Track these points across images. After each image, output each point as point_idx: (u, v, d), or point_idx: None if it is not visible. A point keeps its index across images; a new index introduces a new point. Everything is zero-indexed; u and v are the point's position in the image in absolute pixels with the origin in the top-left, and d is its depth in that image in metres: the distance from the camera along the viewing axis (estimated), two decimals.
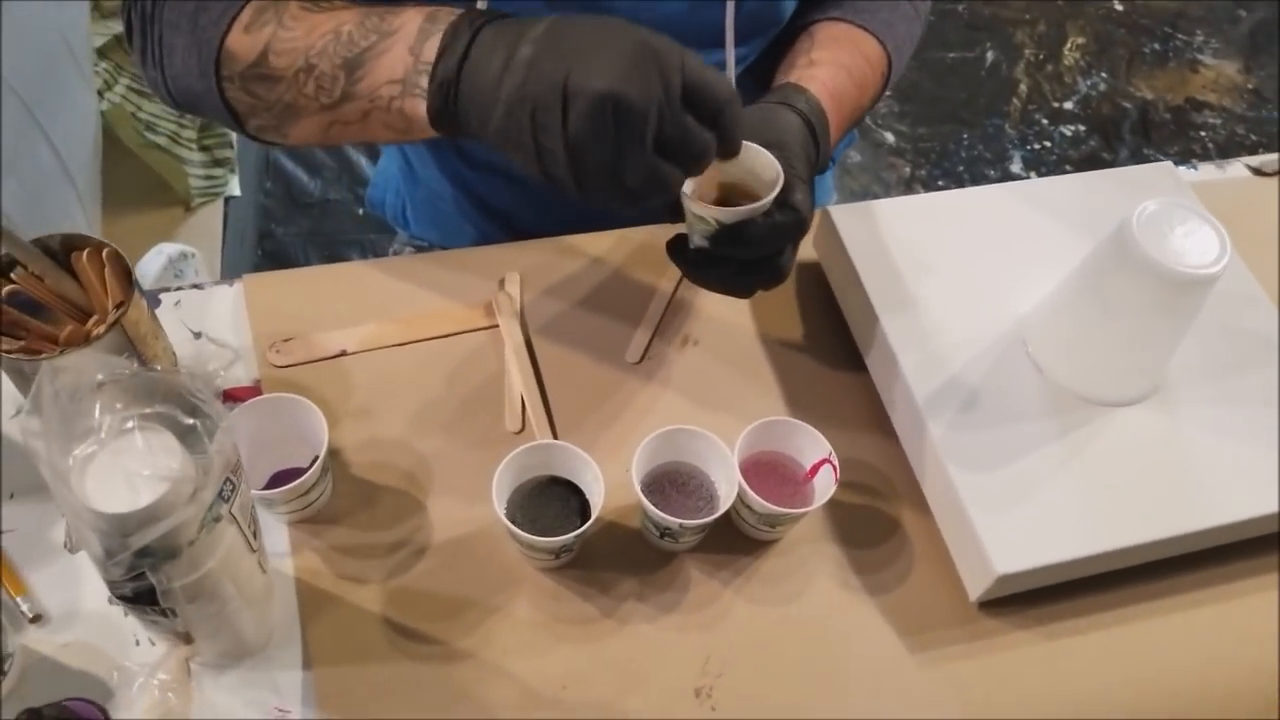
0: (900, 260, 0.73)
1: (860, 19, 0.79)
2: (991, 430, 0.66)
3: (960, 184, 1.98)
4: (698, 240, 0.61)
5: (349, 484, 0.66)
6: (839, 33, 0.78)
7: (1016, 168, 2.02)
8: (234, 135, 1.63)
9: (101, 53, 1.51)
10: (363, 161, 1.80)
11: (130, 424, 0.47)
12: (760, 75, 0.79)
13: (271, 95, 0.61)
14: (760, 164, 0.59)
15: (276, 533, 0.64)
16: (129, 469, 0.46)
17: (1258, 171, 0.92)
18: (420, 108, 0.56)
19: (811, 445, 0.65)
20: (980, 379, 0.68)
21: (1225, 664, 0.64)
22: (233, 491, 0.51)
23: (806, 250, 0.79)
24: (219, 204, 1.63)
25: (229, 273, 1.60)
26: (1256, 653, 0.65)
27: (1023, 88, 2.17)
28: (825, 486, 0.63)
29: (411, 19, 0.57)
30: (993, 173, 2.01)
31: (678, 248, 0.62)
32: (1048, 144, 2.06)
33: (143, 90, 1.54)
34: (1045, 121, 2.11)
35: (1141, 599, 0.66)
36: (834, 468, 0.63)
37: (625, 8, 0.74)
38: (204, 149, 1.63)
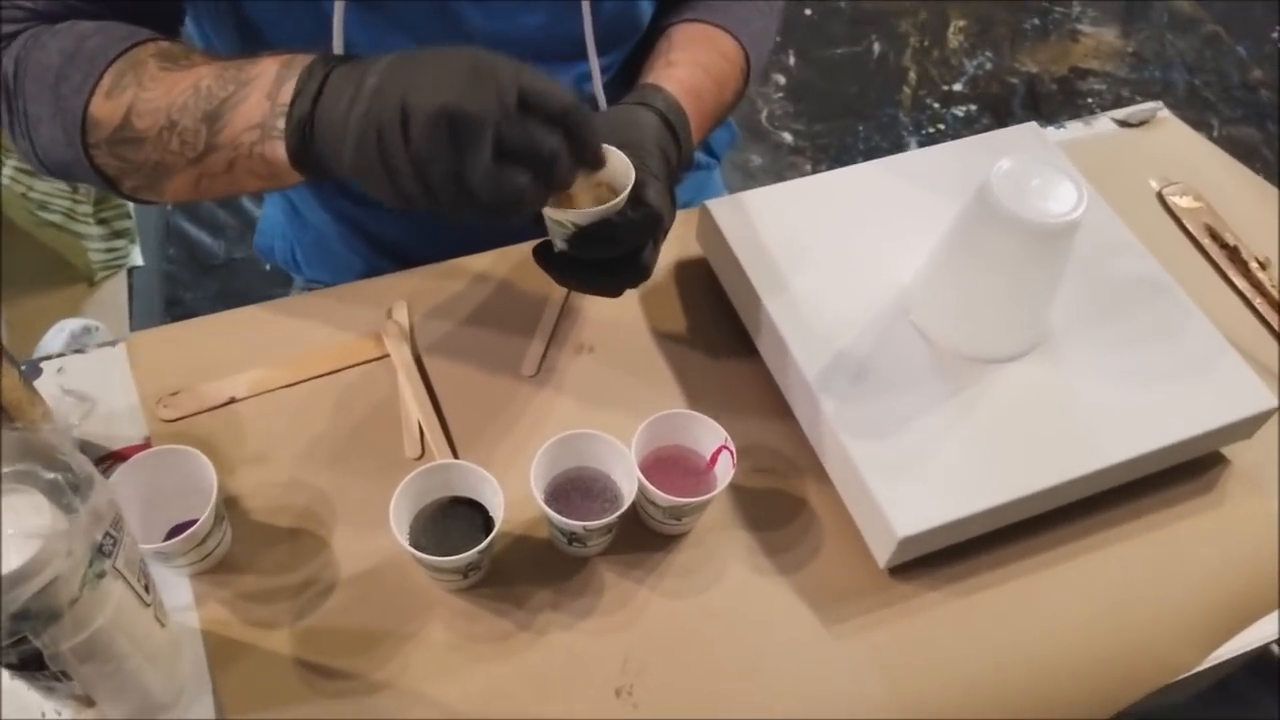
0: (781, 246, 0.74)
1: (715, 18, 0.81)
2: (883, 399, 0.67)
3: None
4: (560, 244, 0.62)
5: (249, 529, 0.65)
6: (696, 32, 0.80)
7: None
8: (131, 205, 1.61)
9: None
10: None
11: None
12: (627, 82, 0.80)
13: (139, 156, 0.61)
14: (616, 166, 0.61)
15: (179, 587, 0.62)
16: None
17: (1123, 123, 0.96)
18: (280, 150, 0.57)
19: (708, 434, 0.65)
20: (868, 351, 0.69)
21: (1135, 603, 0.66)
22: (114, 546, 0.50)
23: (692, 246, 0.80)
24: (123, 276, 1.60)
25: None
26: (1161, 589, 0.66)
27: (912, 75, 2.22)
28: (725, 473, 0.64)
29: (268, 66, 0.58)
30: None
31: (544, 253, 0.63)
32: (942, 127, 2.12)
33: (31, 170, 1.51)
34: (937, 105, 2.16)
35: (1048, 547, 0.67)
36: (731, 453, 0.64)
37: (485, 26, 0.75)
38: (102, 222, 1.60)
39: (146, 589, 0.54)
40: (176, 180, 0.62)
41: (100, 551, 0.49)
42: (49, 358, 0.72)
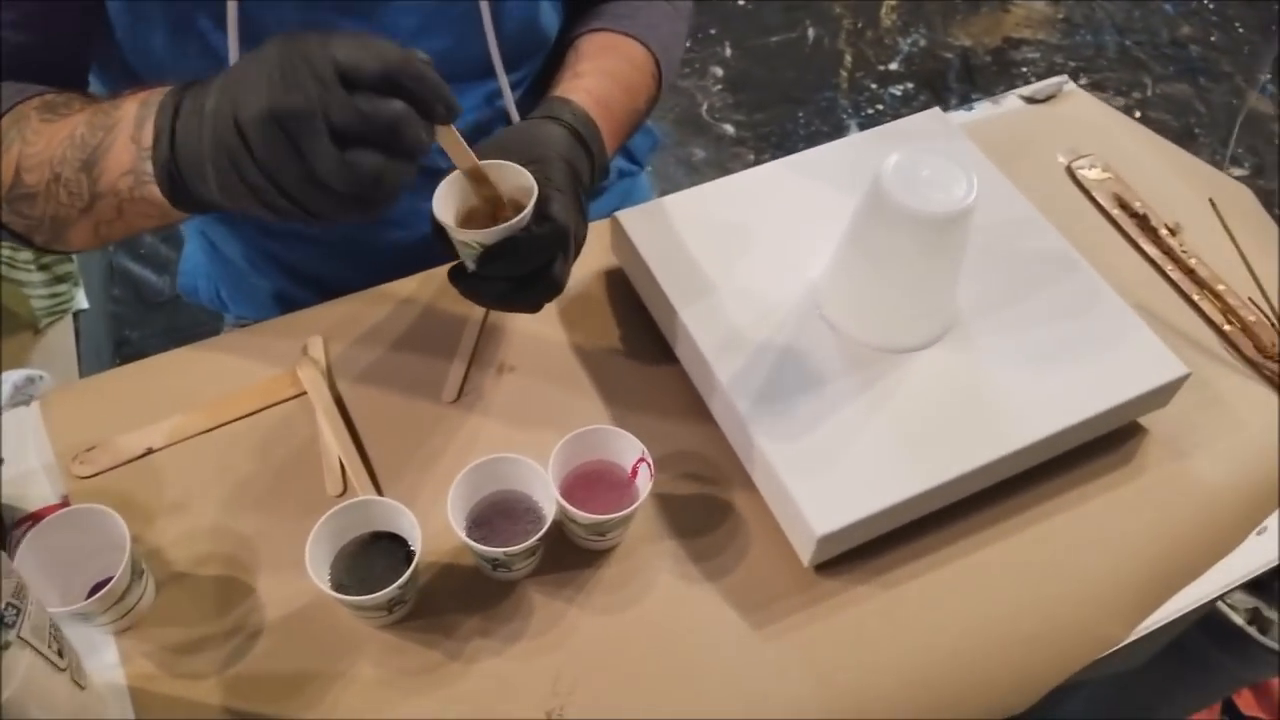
0: (693, 251, 0.74)
1: (621, 26, 0.81)
2: (797, 398, 0.67)
3: None
4: (471, 265, 0.62)
5: (173, 581, 0.64)
6: (603, 42, 0.80)
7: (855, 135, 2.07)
8: None
9: None
10: None
11: None
12: (540, 95, 0.80)
13: (36, 211, 0.61)
14: (518, 180, 0.60)
15: (104, 645, 0.61)
16: None
17: (1030, 100, 0.97)
18: (157, 193, 0.56)
19: (627, 447, 0.65)
20: (781, 350, 0.70)
21: (1061, 580, 0.66)
22: (17, 616, 0.49)
23: (609, 256, 0.80)
24: (68, 320, 1.58)
25: None
26: (1084, 560, 0.67)
27: (848, 58, 2.23)
28: (644, 484, 0.64)
29: (129, 107, 0.57)
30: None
31: (458, 275, 0.63)
32: (880, 107, 2.12)
33: None
34: (874, 86, 2.17)
35: (971, 532, 0.67)
36: (649, 465, 0.64)
37: None
38: (43, 268, 1.58)
39: (60, 653, 0.53)
40: (76, 230, 0.61)
41: (1, 622, 0.48)
42: None
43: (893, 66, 2.21)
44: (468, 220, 0.61)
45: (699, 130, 2.08)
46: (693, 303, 0.71)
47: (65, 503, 0.67)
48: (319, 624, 0.62)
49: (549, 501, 0.63)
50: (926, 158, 0.65)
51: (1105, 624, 0.66)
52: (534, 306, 0.65)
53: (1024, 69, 2.21)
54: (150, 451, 0.69)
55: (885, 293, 0.68)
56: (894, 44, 2.26)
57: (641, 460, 0.64)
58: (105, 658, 0.61)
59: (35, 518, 0.66)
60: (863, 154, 0.81)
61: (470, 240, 0.60)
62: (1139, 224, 0.84)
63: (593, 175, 0.70)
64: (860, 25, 2.30)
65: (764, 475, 0.66)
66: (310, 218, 0.51)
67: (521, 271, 0.61)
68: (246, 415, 0.71)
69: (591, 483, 0.66)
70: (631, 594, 0.64)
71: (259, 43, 0.67)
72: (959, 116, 0.94)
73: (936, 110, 0.85)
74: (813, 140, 2.06)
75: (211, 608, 0.63)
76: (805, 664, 0.62)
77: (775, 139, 2.06)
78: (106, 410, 0.71)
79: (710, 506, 0.68)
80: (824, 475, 0.63)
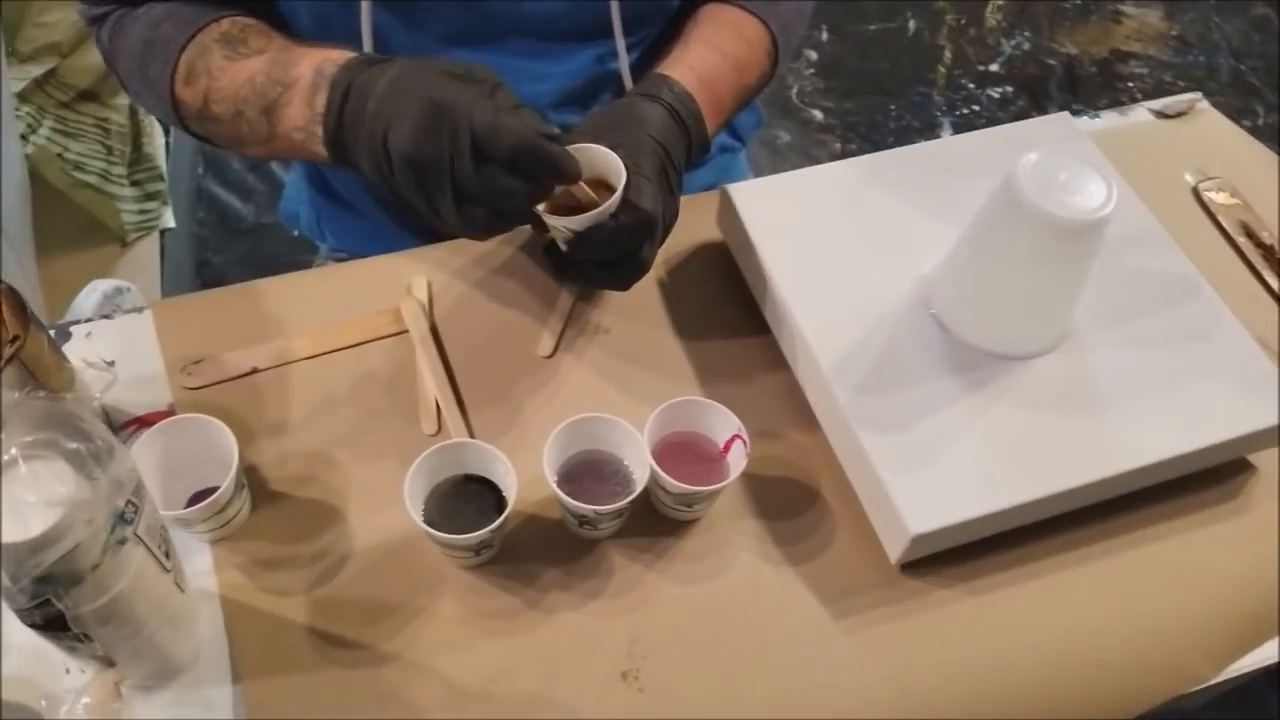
0: (801, 232, 0.74)
1: (744, 1, 0.80)
2: (899, 391, 0.66)
3: None
4: (561, 244, 0.65)
5: (268, 499, 0.66)
6: (720, 15, 0.79)
7: (947, 134, 2.03)
8: (164, 167, 1.62)
9: (23, 97, 1.50)
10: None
11: (14, 452, 0.47)
12: (653, 60, 0.80)
13: (221, 131, 0.70)
14: (609, 166, 0.63)
15: (198, 553, 0.63)
16: (18, 498, 0.46)
17: (1160, 114, 0.94)
18: (323, 150, 0.64)
19: (722, 422, 0.65)
20: (885, 342, 0.69)
21: (1149, 608, 0.65)
22: (136, 513, 0.51)
23: (713, 229, 0.80)
24: (154, 237, 1.62)
25: None
26: (1181, 595, 0.65)
27: (947, 54, 2.18)
28: (738, 462, 0.64)
29: (305, 71, 0.64)
30: (924, 141, 2.02)
31: (551, 249, 0.69)
32: (976, 108, 2.08)
33: (68, 131, 1.53)
34: (972, 86, 2.13)
35: (1063, 549, 0.66)
36: (744, 442, 0.64)
37: (506, 8, 0.74)
38: (135, 184, 1.62)
39: (167, 555, 0.55)
40: (253, 150, 0.70)
41: (121, 519, 0.50)
42: (77, 322, 0.73)
43: (993, 68, 2.16)
44: (563, 198, 0.63)
45: (786, 113, 2.05)
46: (797, 285, 0.71)
47: (171, 411, 0.68)
48: (405, 558, 0.64)
49: (640, 466, 0.63)
50: (1064, 160, 0.64)
51: (1193, 661, 0.64)
52: (622, 286, 0.69)
53: (1130, 84, 2.15)
54: (255, 371, 0.70)
55: (1005, 296, 0.67)
56: (996, 44, 2.21)
57: (737, 437, 0.64)
58: (199, 564, 0.63)
59: (141, 422, 0.68)
60: (985, 152, 0.80)
61: (560, 226, 0.62)
62: (1265, 255, 0.81)
63: (689, 155, 0.71)
64: (963, 22, 2.25)
65: (858, 466, 0.65)
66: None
67: (608, 256, 0.64)
68: (348, 346, 0.72)
69: (681, 452, 0.66)
70: (711, 568, 0.65)
71: None
72: (1085, 124, 0.92)
73: (1065, 115, 0.83)
74: (902, 135, 2.03)
75: (302, 529, 0.64)
76: (882, 661, 0.61)
77: (863, 129, 2.03)
78: (214, 326, 0.73)
79: (796, 490, 0.68)
80: (922, 473, 0.62)
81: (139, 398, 0.69)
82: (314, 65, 0.64)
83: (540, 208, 0.62)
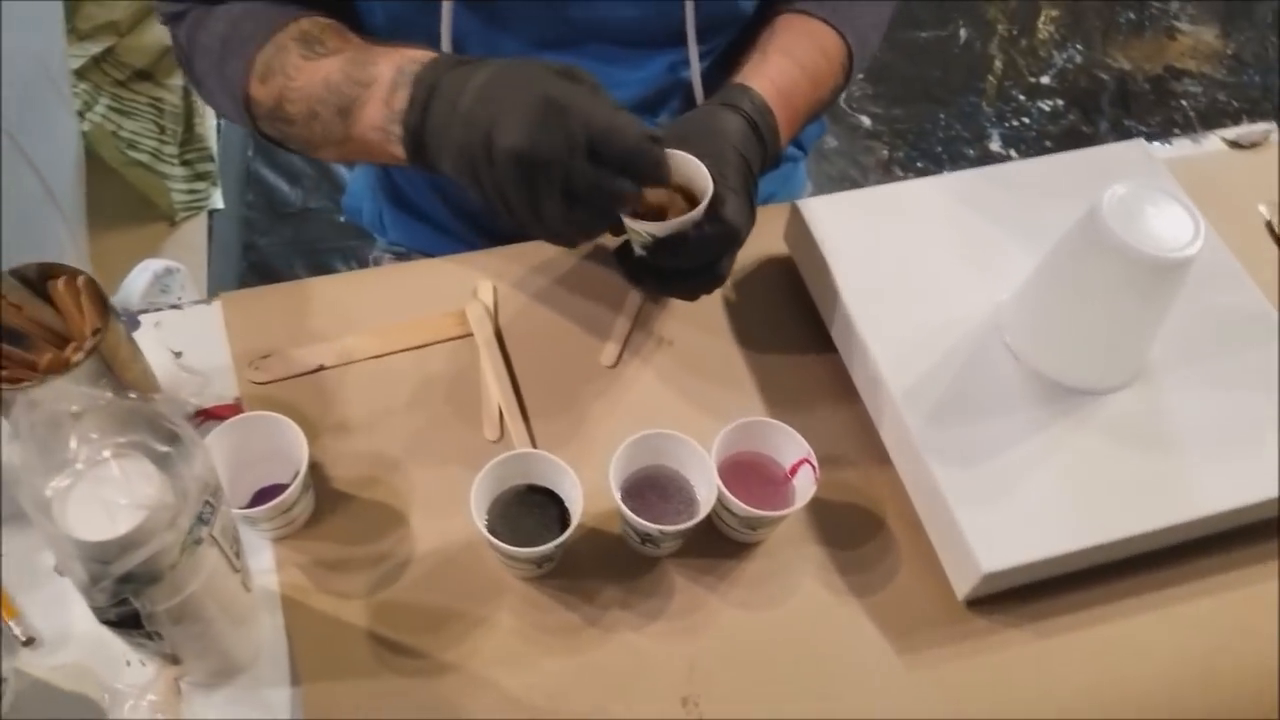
0: (872, 251, 0.72)
1: (822, 11, 0.79)
2: (972, 422, 0.65)
3: (939, 165, 1.97)
4: (638, 249, 0.64)
5: (331, 498, 0.65)
6: (799, 26, 0.78)
7: (995, 146, 2.01)
8: (215, 148, 1.62)
9: (80, 74, 1.50)
10: (341, 169, 1.79)
11: (106, 453, 0.46)
12: (729, 65, 0.79)
13: (293, 132, 0.68)
14: (695, 175, 0.62)
15: (261, 550, 0.63)
16: (107, 498, 0.46)
17: (1234, 144, 0.92)
18: (400, 150, 0.62)
19: (790, 445, 0.64)
20: (958, 370, 0.68)
21: (1223, 658, 0.63)
22: (212, 514, 0.51)
23: (778, 243, 0.78)
24: (203, 218, 1.62)
25: (215, 285, 1.59)
26: (1255, 646, 0.64)
27: (997, 64, 2.15)
28: (805, 487, 0.63)
29: (385, 70, 0.62)
30: (971, 152, 2.00)
31: (623, 253, 0.66)
32: (1026, 120, 2.05)
33: (123, 109, 1.53)
34: (1022, 97, 2.10)
35: (1135, 592, 0.65)
36: (813, 467, 0.63)
37: (585, 16, 0.73)
38: (185, 164, 1.62)
39: (237, 555, 0.55)
40: (326, 152, 0.69)
41: (199, 519, 0.50)
42: (147, 311, 0.73)
43: (1044, 80, 2.13)
44: (639, 203, 0.61)
45: (834, 118, 2.03)
46: (868, 306, 0.70)
47: (237, 404, 0.68)
48: (464, 565, 0.63)
49: (705, 485, 0.63)
50: (1150, 193, 0.62)
51: (1267, 713, 0.62)
52: (692, 296, 0.67)
53: (1183, 102, 2.11)
54: (321, 368, 0.70)
55: (1083, 330, 0.65)
56: (1048, 56, 2.18)
57: (805, 461, 0.63)
58: (261, 561, 0.63)
59: (208, 414, 0.68)
60: (1060, 176, 0.78)
61: (643, 230, 0.61)
62: None
63: (763, 166, 0.70)
64: (1015, 32, 2.22)
65: (928, 498, 0.64)
66: (518, 226, 0.58)
67: (687, 265, 0.63)
68: (414, 348, 0.72)
69: (746, 472, 0.65)
70: (773, 593, 0.64)
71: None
72: (1157, 150, 0.90)
73: (1140, 141, 0.82)
74: (951, 144, 2.01)
75: (364, 530, 0.64)
76: (946, 698, 0.60)
77: (912, 137, 2.01)
78: (281, 320, 0.73)
79: (861, 518, 0.67)
80: (994, 509, 0.61)
81: (205, 389, 0.69)
82: (395, 64, 0.62)
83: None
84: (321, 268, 1.69)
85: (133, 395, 0.46)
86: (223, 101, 0.71)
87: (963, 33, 2.21)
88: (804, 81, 0.75)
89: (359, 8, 0.73)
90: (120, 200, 1.57)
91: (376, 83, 0.62)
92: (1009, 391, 0.67)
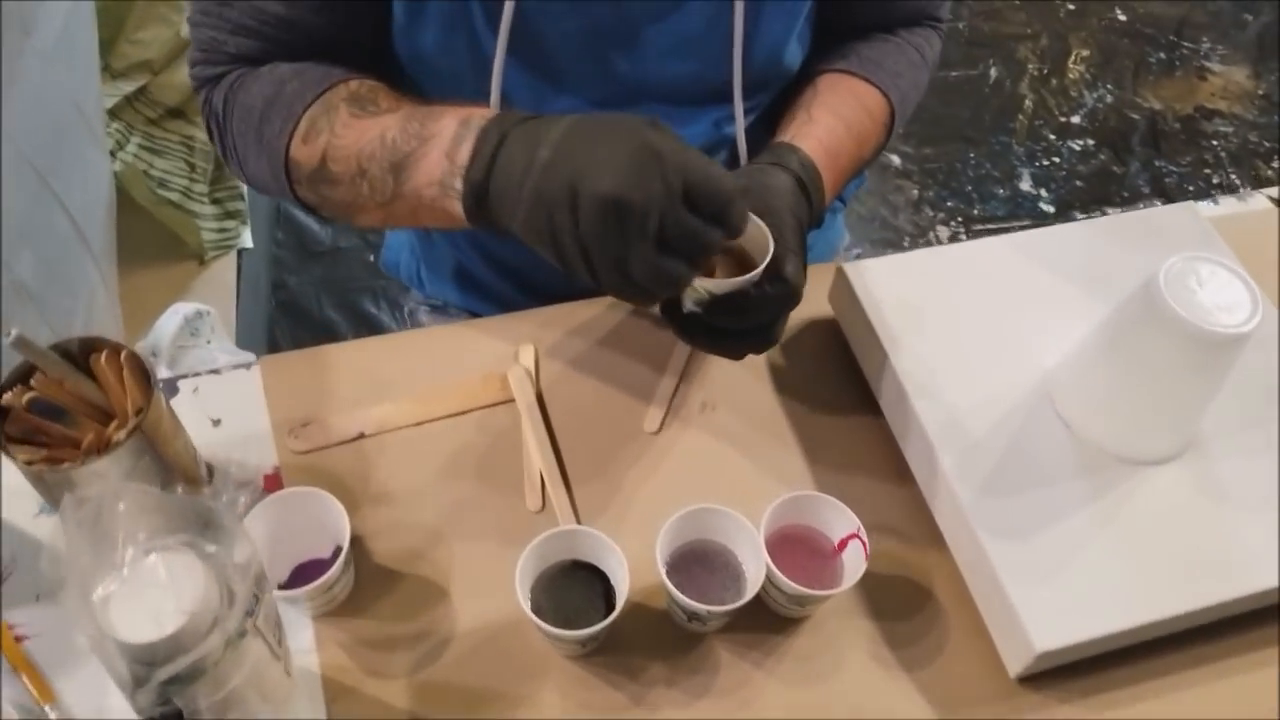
0: (918, 316, 0.71)
1: (865, 70, 0.78)
2: (1023, 494, 0.64)
3: (969, 204, 1.96)
4: (690, 305, 0.62)
5: (371, 572, 0.64)
6: (842, 85, 0.78)
7: (1026, 185, 2.00)
8: (244, 187, 1.63)
9: (113, 113, 1.52)
10: None
11: (152, 554, 0.46)
12: (771, 122, 0.78)
13: (335, 195, 0.66)
14: (754, 234, 0.60)
15: (301, 628, 0.62)
16: (152, 600, 0.45)
17: None
18: (458, 207, 0.59)
19: (839, 519, 0.63)
20: (1008, 439, 0.66)
21: None
22: (256, 604, 0.50)
23: (823, 305, 0.78)
24: (232, 256, 1.63)
25: (244, 325, 1.60)
26: None
27: (1028, 103, 2.15)
28: (855, 563, 0.62)
29: (448, 124, 0.60)
30: (1002, 191, 1.99)
31: (672, 309, 0.63)
32: (1056, 160, 2.04)
33: (154, 148, 1.55)
34: (1053, 137, 2.09)
35: (1191, 665, 0.63)
36: (863, 543, 0.61)
37: (632, 74, 0.73)
38: (215, 202, 1.63)
39: (279, 641, 0.54)
40: (367, 216, 0.66)
41: (245, 612, 0.49)
42: (185, 376, 0.72)
43: (1074, 119, 2.12)
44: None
45: None
46: (915, 370, 0.69)
47: (277, 474, 0.68)
48: (507, 642, 0.62)
49: (752, 560, 0.62)
50: (1207, 266, 0.61)
51: None
52: (739, 355, 0.65)
53: (1214, 142, 2.10)
54: (362, 436, 0.69)
55: (1136, 402, 0.64)
56: (1079, 96, 2.17)
57: (855, 536, 0.62)
58: (301, 640, 0.62)
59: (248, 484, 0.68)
60: (1107, 240, 0.77)
61: (701, 287, 0.59)
62: None
63: (809, 225, 0.69)
64: (1045, 71, 2.21)
65: (980, 573, 0.63)
66: (597, 286, 0.54)
67: (743, 326, 0.62)
68: (454, 414, 0.71)
69: (793, 546, 0.64)
70: (822, 669, 0.62)
71: (528, 47, 0.67)
72: (1205, 209, 0.88)
73: (1191, 204, 0.80)
74: (981, 183, 2.00)
75: (406, 606, 0.63)
76: None
77: (941, 176, 2.00)
78: (320, 384, 0.72)
79: (910, 590, 0.66)
80: (1048, 585, 0.60)
81: (245, 459, 0.68)
82: (459, 117, 0.59)
83: None
84: (351, 307, 1.70)
85: (179, 489, 0.45)
86: (258, 167, 0.69)
87: (993, 72, 2.20)
88: (849, 140, 0.75)
89: (407, 69, 0.72)
90: (150, 239, 1.58)
91: (438, 136, 0.59)
92: (1061, 462, 0.65)
